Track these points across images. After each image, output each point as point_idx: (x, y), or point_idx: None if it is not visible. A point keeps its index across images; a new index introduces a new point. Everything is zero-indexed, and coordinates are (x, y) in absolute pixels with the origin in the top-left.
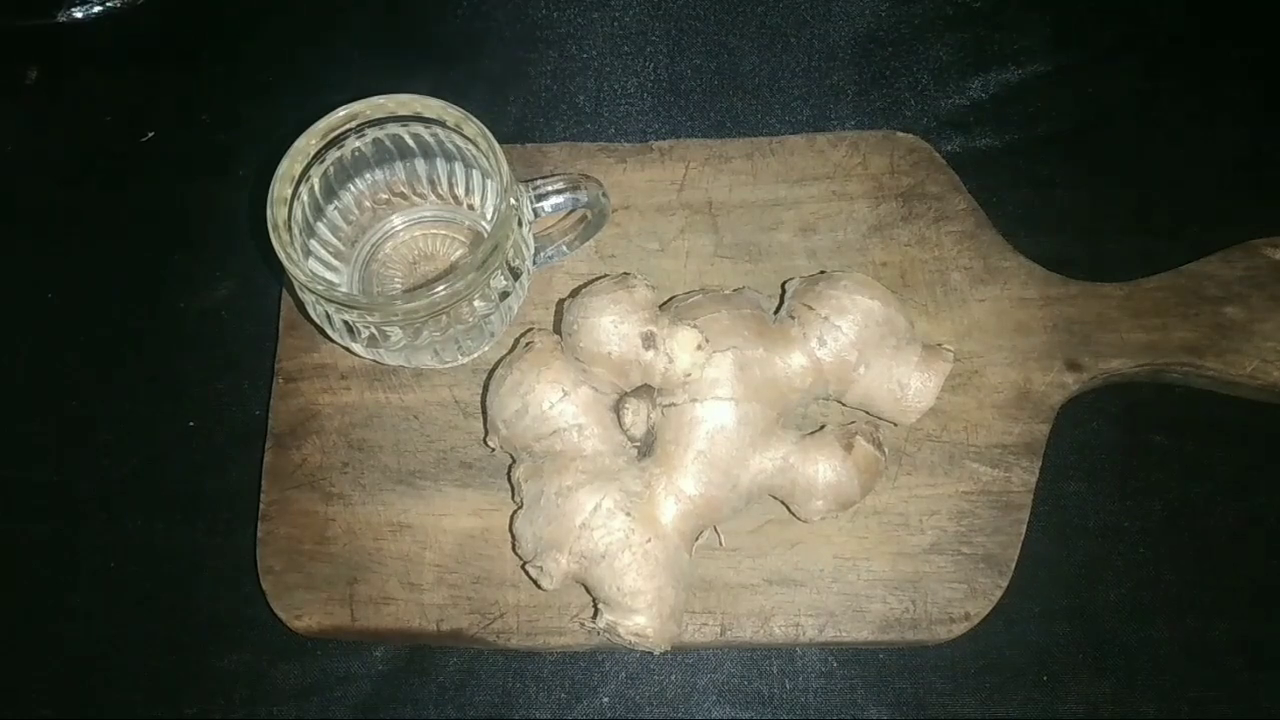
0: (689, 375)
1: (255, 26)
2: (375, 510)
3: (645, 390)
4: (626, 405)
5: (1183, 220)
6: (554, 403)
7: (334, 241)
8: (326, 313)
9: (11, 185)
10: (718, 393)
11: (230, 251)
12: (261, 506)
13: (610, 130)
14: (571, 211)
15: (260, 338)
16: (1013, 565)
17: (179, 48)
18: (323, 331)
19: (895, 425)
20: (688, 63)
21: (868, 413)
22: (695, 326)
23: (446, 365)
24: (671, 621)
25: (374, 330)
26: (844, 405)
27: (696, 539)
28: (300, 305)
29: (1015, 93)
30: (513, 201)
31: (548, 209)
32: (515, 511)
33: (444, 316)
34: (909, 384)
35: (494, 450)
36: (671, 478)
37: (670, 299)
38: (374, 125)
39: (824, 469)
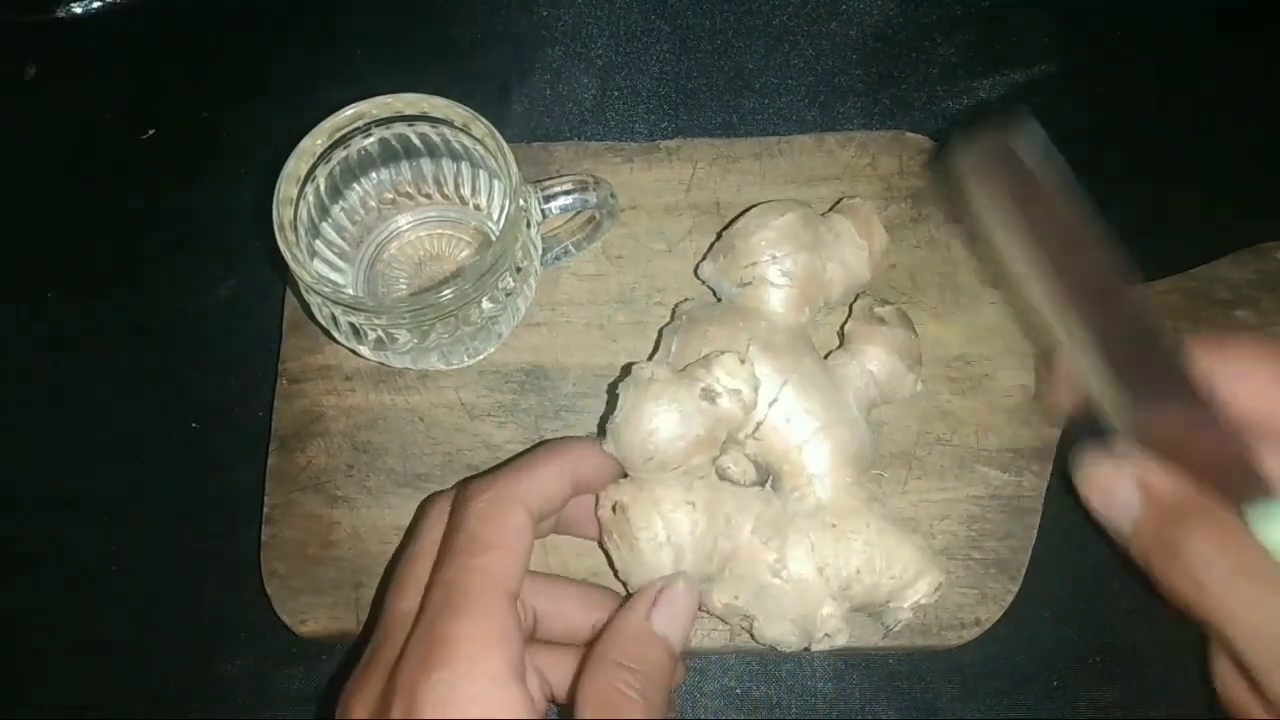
0: (756, 389)
1: (257, 23)
2: (381, 514)
3: (726, 440)
4: (725, 465)
5: (1193, 222)
6: (694, 520)
7: (339, 242)
8: (333, 314)
9: (10, 183)
10: (776, 381)
11: (232, 251)
12: (265, 509)
13: (616, 130)
14: (579, 212)
15: (263, 338)
16: (1024, 570)
17: (179, 44)
18: (328, 333)
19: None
20: (694, 61)
21: (858, 296)
22: (719, 352)
23: (453, 367)
24: (936, 560)
25: (381, 332)
26: (833, 306)
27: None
28: (305, 306)
29: (1024, 93)
30: (521, 203)
31: (556, 210)
32: (750, 628)
33: (452, 318)
34: (861, 240)
35: None
36: (815, 470)
37: (649, 359)
38: (380, 125)
39: (882, 350)
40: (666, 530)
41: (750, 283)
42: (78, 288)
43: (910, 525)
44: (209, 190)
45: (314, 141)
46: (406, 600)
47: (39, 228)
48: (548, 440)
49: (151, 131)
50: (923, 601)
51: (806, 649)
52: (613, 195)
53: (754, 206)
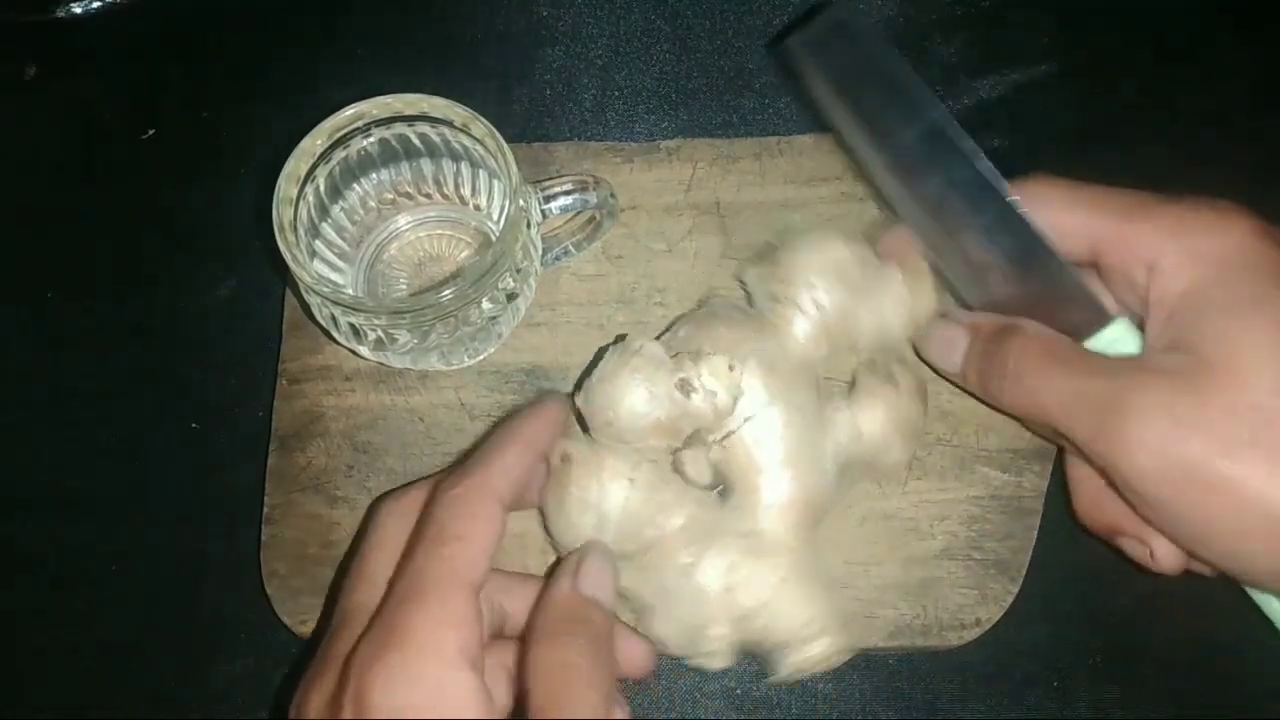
0: (736, 399)
1: (257, 23)
2: None
3: (694, 437)
4: (684, 460)
5: None
6: (628, 496)
7: (339, 242)
8: (333, 315)
9: (10, 184)
10: (762, 400)
11: (232, 251)
12: (265, 510)
13: (616, 130)
14: (579, 212)
15: (263, 338)
16: (1024, 571)
17: (179, 44)
18: (328, 334)
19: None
20: (694, 61)
21: (882, 348)
22: (712, 352)
23: (453, 367)
24: (844, 629)
25: (381, 333)
26: (858, 353)
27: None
28: (305, 306)
29: (1024, 93)
30: (521, 203)
31: (556, 210)
32: (643, 619)
33: (452, 319)
34: (906, 296)
35: None
36: (767, 499)
37: (657, 338)
38: (380, 125)
39: (881, 410)
40: (599, 496)
41: (781, 300)
42: (78, 288)
43: (838, 584)
44: (209, 190)
45: (314, 142)
46: (361, 594)
47: (39, 228)
48: (506, 418)
49: (151, 131)
50: (810, 661)
51: (684, 659)
52: (613, 195)
53: (812, 231)
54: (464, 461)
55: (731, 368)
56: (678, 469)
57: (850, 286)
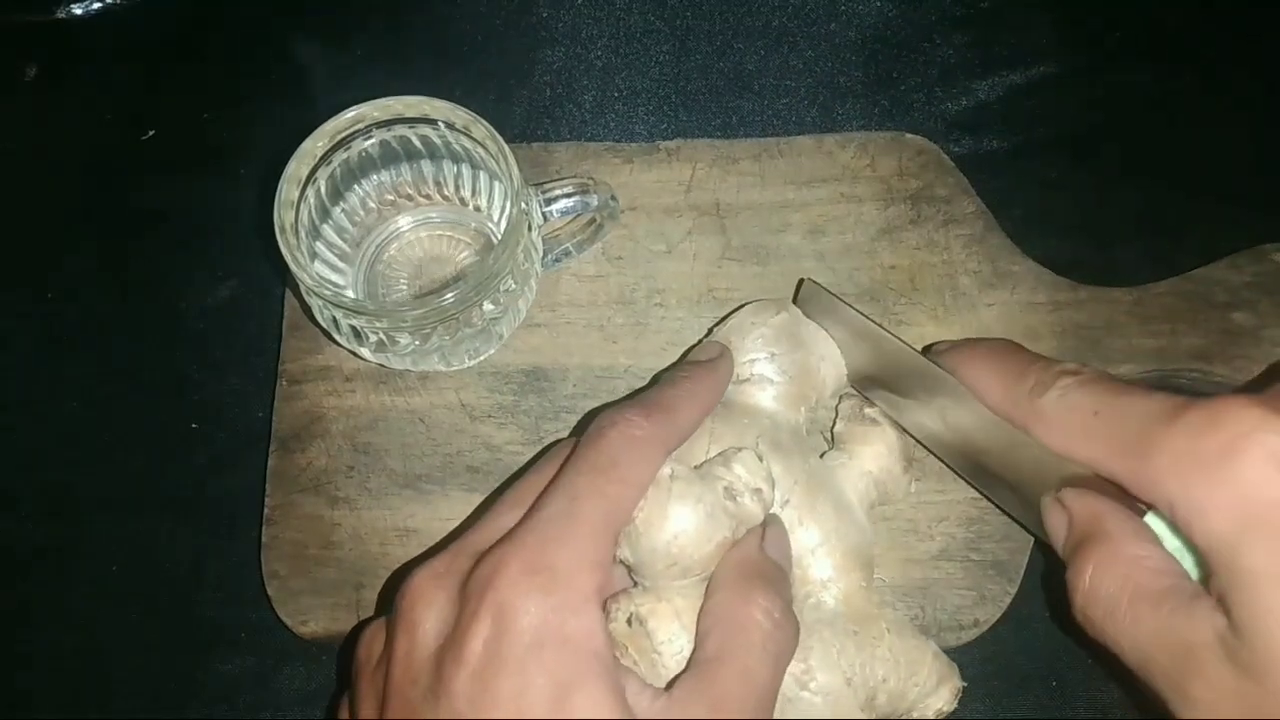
0: (773, 487)
1: (257, 24)
2: (381, 515)
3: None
4: None
5: (1191, 224)
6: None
7: (340, 243)
8: (334, 317)
9: (10, 184)
10: (788, 481)
11: (233, 251)
12: (266, 510)
13: (616, 130)
14: (580, 215)
15: (263, 339)
16: (1022, 571)
17: (180, 45)
18: (329, 335)
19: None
20: (694, 62)
21: (841, 398)
22: (736, 449)
23: (453, 368)
24: (951, 666)
25: (382, 335)
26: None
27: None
28: (305, 307)
29: (1024, 94)
30: (523, 206)
31: (556, 213)
32: None
33: (453, 321)
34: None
35: None
36: (824, 577)
37: None
38: (381, 127)
39: (881, 450)
40: (691, 645)
41: (748, 379)
42: (78, 288)
43: (920, 634)
44: (209, 190)
45: (315, 144)
46: (512, 517)
47: (39, 227)
48: (683, 364)
49: (151, 132)
50: (945, 709)
51: None
52: (613, 198)
53: (743, 306)
54: (642, 397)
55: (760, 458)
56: None
57: (801, 344)
